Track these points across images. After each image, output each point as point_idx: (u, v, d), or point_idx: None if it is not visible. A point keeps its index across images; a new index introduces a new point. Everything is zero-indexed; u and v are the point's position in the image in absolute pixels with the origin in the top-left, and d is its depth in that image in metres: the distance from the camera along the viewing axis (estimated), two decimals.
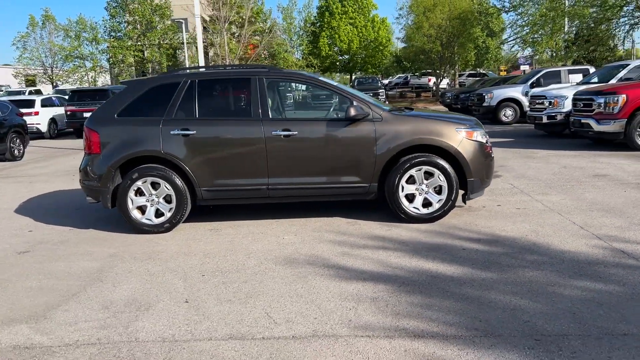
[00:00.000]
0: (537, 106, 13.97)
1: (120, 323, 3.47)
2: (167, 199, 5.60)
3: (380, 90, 29.18)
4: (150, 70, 43.55)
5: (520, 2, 30.29)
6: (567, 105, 13.10)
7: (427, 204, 5.60)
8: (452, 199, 5.53)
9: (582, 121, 11.10)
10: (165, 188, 5.55)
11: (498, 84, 22.39)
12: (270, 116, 5.59)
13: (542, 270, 4.06)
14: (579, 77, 17.75)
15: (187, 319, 3.48)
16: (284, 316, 3.45)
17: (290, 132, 5.49)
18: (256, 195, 5.66)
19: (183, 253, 4.93)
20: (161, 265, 4.60)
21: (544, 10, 27.68)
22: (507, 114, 18.35)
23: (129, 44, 41.67)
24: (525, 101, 17.79)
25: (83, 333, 3.36)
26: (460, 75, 42.59)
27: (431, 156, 5.48)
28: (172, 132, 5.52)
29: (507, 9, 31.82)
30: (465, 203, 5.81)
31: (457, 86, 40.63)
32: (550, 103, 13.46)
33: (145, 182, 5.54)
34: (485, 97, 18.60)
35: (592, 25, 25.63)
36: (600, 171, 8.08)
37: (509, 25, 32.10)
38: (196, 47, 45.14)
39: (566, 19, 26.14)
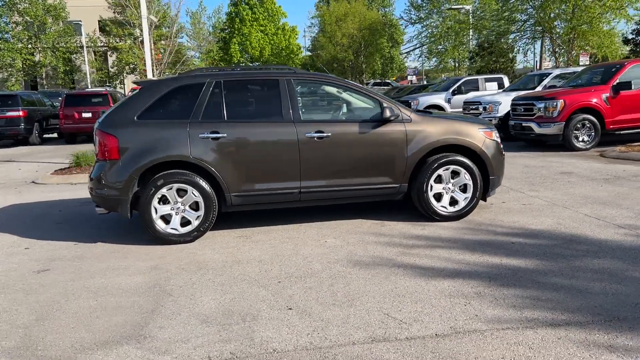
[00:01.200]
0: (471, 111, 14.84)
1: (240, 335, 3.24)
2: (194, 207, 5.29)
3: None
4: (44, 76, 40.45)
5: (426, 15, 31.99)
6: (501, 111, 14.10)
7: (453, 202, 5.77)
8: (477, 196, 5.75)
9: (523, 124, 11.99)
10: (193, 195, 5.24)
11: (414, 92, 23.57)
12: (302, 118, 5.48)
13: (603, 259, 4.36)
14: (494, 85, 19.15)
15: (309, 326, 3.33)
16: (408, 316, 3.42)
17: (323, 134, 5.42)
18: (287, 200, 5.51)
19: (233, 262, 4.69)
20: (223, 275, 4.34)
21: (450, 23, 29.50)
22: None
23: (19, 46, 38.47)
24: (448, 107, 18.88)
25: (208, 349, 3.10)
26: (366, 85, 43.99)
27: (457, 155, 5.66)
28: (200, 136, 5.23)
29: (413, 21, 33.48)
30: (485, 200, 6.05)
31: None
32: (484, 108, 14.38)
33: (170, 189, 5.20)
34: (412, 104, 19.38)
35: (494, 37, 27.73)
36: (563, 169, 8.78)
37: (414, 37, 33.73)
38: (95, 52, 42.59)
39: (471, 32, 28.01)
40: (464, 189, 5.76)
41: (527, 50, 23.68)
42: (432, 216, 5.71)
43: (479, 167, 5.73)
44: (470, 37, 28.39)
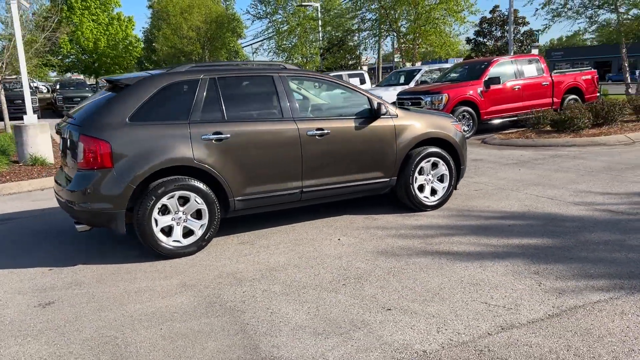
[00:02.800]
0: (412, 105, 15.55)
1: (372, 343, 3.14)
2: (195, 215, 4.88)
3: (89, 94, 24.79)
4: None
5: (273, 9, 32.33)
6: None
7: (433, 192, 6.11)
8: (453, 185, 6.17)
9: None
10: (196, 202, 4.83)
11: None
12: (301, 116, 5.35)
13: (597, 232, 5.01)
14: (357, 81, 20.24)
15: (427, 323, 3.35)
16: (505, 302, 3.59)
17: (323, 132, 5.36)
18: (289, 200, 5.35)
19: (267, 269, 4.45)
20: (275, 284, 4.11)
21: (296, 19, 30.15)
22: None
23: None
24: None
25: None
26: None
27: (437, 148, 6.00)
28: (203, 137, 4.83)
29: (260, 16, 33.59)
30: (456, 189, 6.48)
31: None
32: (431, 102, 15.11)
33: (172, 197, 4.73)
34: None
35: (341, 35, 29.10)
36: (470, 157, 9.69)
37: (262, 32, 33.88)
38: None
39: (320, 28, 29.02)
40: (441, 179, 6.12)
41: (375, 47, 25.22)
42: (418, 207, 5.97)
43: (452, 157, 6.13)
44: (320, 34, 29.39)
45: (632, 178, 7.22)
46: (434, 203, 6.06)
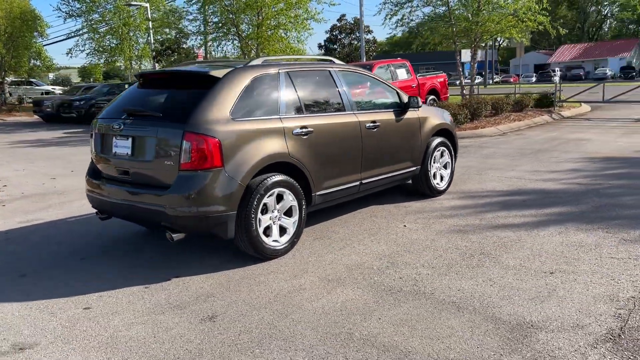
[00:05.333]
0: None
1: (579, 296, 3.62)
2: (288, 213, 4.78)
3: None
4: None
5: (89, 6, 29.92)
6: None
7: (441, 179, 6.74)
8: (453, 171, 6.88)
9: None
10: (290, 199, 4.72)
11: (114, 92, 22.46)
12: (357, 109, 5.51)
13: (594, 198, 6.13)
14: None
15: (602, 276, 3.92)
16: (631, 274, 4.26)
17: (376, 124, 5.60)
18: (350, 193, 5.47)
19: (382, 257, 4.55)
20: (416, 268, 4.28)
21: (119, 20, 28.34)
22: None
23: None
24: None
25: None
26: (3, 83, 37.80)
27: (444, 138, 6.64)
28: (294, 132, 4.73)
29: (74, 14, 30.77)
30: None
31: (8, 95, 36.29)
32: None
33: (271, 195, 4.55)
34: None
35: (174, 36, 28.14)
36: None
37: (77, 31, 31.11)
38: None
39: (151, 31, 27.69)
40: (445, 166, 6.76)
41: (217, 51, 24.90)
42: (432, 193, 6.52)
43: (452, 146, 6.83)
44: (152, 35, 27.99)
45: (550, 159, 8.79)
46: (443, 188, 6.66)
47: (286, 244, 4.65)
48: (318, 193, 4.96)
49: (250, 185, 4.32)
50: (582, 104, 17.97)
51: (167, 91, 4.68)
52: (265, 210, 4.49)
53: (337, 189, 5.17)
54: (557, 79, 16.36)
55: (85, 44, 31.21)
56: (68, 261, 4.78)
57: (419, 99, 6.16)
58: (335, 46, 31.51)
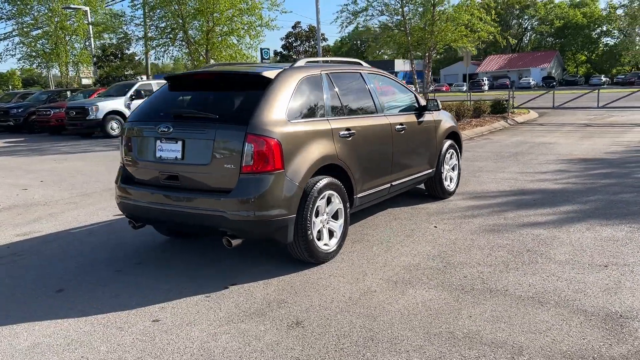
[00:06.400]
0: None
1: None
2: (335, 216, 4.73)
3: None
4: None
5: (20, 8, 28.53)
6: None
7: (450, 180, 6.89)
8: (460, 173, 7.05)
9: None
10: (337, 202, 4.68)
11: (54, 99, 21.68)
12: (386, 111, 5.55)
13: (596, 195, 6.47)
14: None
15: None
16: None
17: (403, 126, 5.66)
18: (382, 196, 5.47)
19: (435, 257, 4.60)
20: (480, 265, 4.35)
21: (59, 23, 27.13)
22: (114, 126, 18.19)
23: None
24: (128, 113, 18.26)
25: None
26: None
27: (452, 141, 6.80)
28: (340, 134, 4.70)
29: (4, 17, 29.22)
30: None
31: None
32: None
33: (322, 198, 4.50)
34: (90, 110, 17.72)
35: (116, 42, 27.17)
36: None
37: (10, 33, 29.49)
38: None
39: (92, 36, 26.59)
40: (453, 168, 6.91)
41: (164, 56, 24.21)
42: (444, 195, 6.64)
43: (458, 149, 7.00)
44: (92, 40, 26.86)
45: (531, 161, 9.23)
46: (452, 190, 6.81)
47: (335, 247, 4.59)
48: (358, 195, 4.92)
49: (306, 188, 4.23)
50: (530, 110, 18.92)
51: (212, 93, 4.50)
52: (317, 214, 4.41)
53: (374, 191, 5.16)
54: (485, 87, 17.23)
55: (16, 48, 29.60)
56: (102, 274, 4.49)
57: (439, 101, 6.27)
58: (290, 53, 31.53)
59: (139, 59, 27.33)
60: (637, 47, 78.27)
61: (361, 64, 5.61)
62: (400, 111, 5.81)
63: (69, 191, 8.19)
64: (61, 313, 3.72)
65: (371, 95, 5.30)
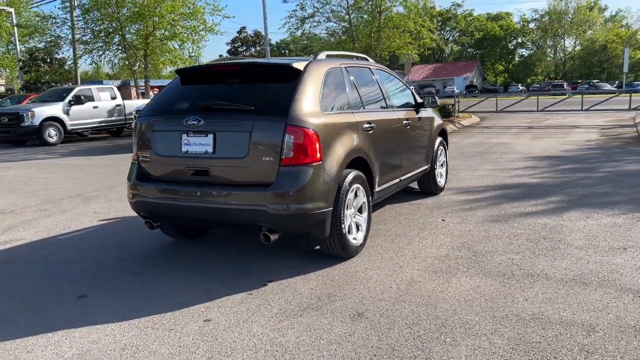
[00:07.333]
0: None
1: None
2: (359, 209, 4.70)
3: None
4: None
5: None
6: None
7: (440, 176, 7.02)
8: (447, 169, 7.22)
9: None
10: (362, 195, 4.64)
11: None
12: (394, 106, 5.59)
13: (572, 189, 6.80)
14: (107, 94, 18.87)
15: None
16: None
17: (409, 121, 5.73)
18: (391, 191, 5.46)
19: (460, 248, 4.69)
20: (506, 253, 4.47)
21: None
22: (52, 133, 17.22)
23: None
24: (67, 119, 17.40)
25: None
26: None
27: (442, 138, 6.96)
28: (364, 127, 4.68)
29: None
30: None
31: None
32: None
33: (352, 191, 4.46)
34: (26, 116, 16.66)
35: (44, 46, 25.79)
36: None
37: None
38: None
39: (17, 42, 25.10)
40: (442, 164, 7.07)
41: (101, 61, 23.08)
42: (436, 191, 6.76)
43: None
44: (17, 44, 25.28)
45: (497, 159, 9.59)
46: (442, 185, 6.95)
47: (362, 241, 4.55)
48: (377, 189, 4.91)
49: (339, 181, 4.16)
50: (472, 115, 19.72)
51: (238, 85, 4.33)
52: (347, 207, 4.35)
53: (388, 185, 5.17)
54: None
55: None
56: (119, 277, 4.20)
57: (436, 98, 6.38)
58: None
59: (70, 64, 25.99)
60: (549, 59, 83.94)
61: (367, 59, 5.61)
62: (403, 107, 5.85)
63: (32, 199, 7.63)
64: (95, 318, 3.44)
65: (381, 90, 5.31)
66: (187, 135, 4.06)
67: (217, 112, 4.03)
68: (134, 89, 26.21)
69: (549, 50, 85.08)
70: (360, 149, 4.46)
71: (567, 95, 24.01)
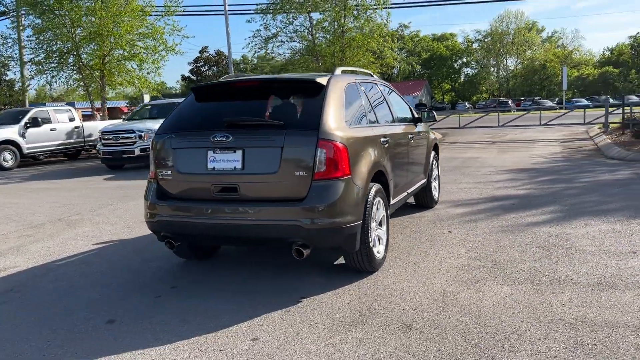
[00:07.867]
0: (121, 141, 14.15)
1: None
2: (380, 222, 4.73)
3: None
4: None
5: None
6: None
7: (434, 189, 7.14)
8: (439, 183, 7.36)
9: None
10: (381, 208, 4.68)
11: None
12: (398, 119, 5.67)
13: (568, 199, 7.09)
14: (65, 116, 18.29)
15: None
16: None
17: (411, 136, 5.82)
18: (400, 204, 5.54)
19: (480, 258, 4.79)
20: (530, 262, 4.58)
21: None
22: (7, 157, 16.51)
23: None
24: (23, 142, 16.75)
25: None
26: None
27: (435, 152, 7.11)
28: (382, 141, 4.75)
29: None
30: None
31: None
32: (140, 137, 14.06)
33: (375, 204, 4.49)
34: None
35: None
36: None
37: None
38: None
39: None
40: (435, 178, 7.20)
41: (56, 82, 22.33)
42: (431, 204, 6.88)
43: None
44: None
45: (475, 173, 9.86)
46: (437, 198, 7.07)
47: (384, 254, 4.57)
48: (392, 202, 4.95)
49: (366, 194, 4.18)
50: (433, 132, 20.15)
51: (260, 100, 4.29)
52: (372, 220, 4.37)
53: (399, 199, 5.22)
54: None
55: None
56: (142, 301, 4.04)
57: (434, 112, 6.51)
58: (198, 78, 30.59)
59: (19, 86, 25.02)
60: (493, 77, 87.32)
61: (372, 75, 5.68)
62: (405, 121, 5.94)
63: (9, 224, 7.27)
64: (133, 343, 3.29)
65: (388, 105, 5.38)
66: (214, 152, 3.98)
67: (245, 128, 3.98)
68: (79, 111, 25.48)
69: (492, 69, 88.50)
70: (380, 162, 4.50)
71: (526, 111, 25.00)
